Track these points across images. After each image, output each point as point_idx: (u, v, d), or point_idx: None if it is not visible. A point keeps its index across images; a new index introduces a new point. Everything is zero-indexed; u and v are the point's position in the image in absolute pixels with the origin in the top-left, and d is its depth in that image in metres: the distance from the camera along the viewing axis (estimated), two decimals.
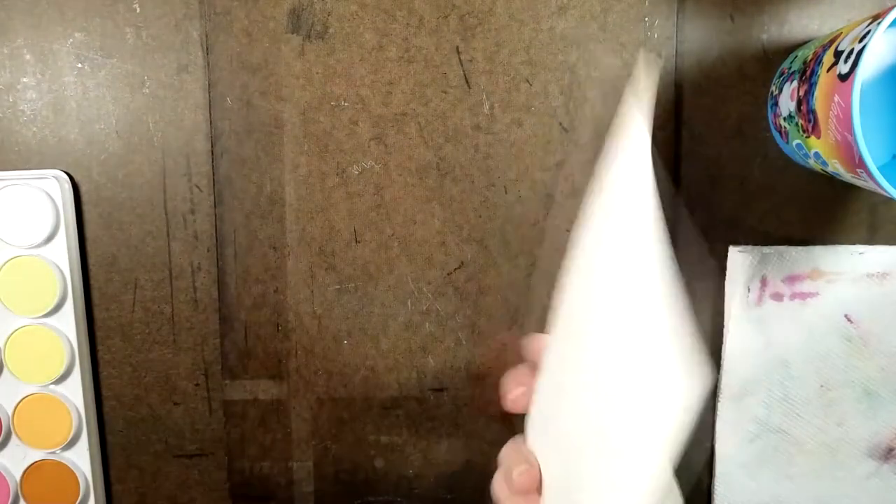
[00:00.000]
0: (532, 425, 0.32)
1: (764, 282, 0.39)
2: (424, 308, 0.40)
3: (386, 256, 0.40)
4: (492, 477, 0.42)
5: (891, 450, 0.41)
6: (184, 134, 0.39)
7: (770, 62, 0.38)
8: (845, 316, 0.39)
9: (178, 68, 0.38)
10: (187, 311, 0.40)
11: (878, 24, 0.27)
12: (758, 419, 0.40)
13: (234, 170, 0.39)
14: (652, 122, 0.30)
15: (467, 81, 0.39)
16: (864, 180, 0.29)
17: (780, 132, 0.37)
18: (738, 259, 0.39)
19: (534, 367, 0.31)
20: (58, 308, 0.39)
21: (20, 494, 0.40)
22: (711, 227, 0.39)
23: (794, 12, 0.38)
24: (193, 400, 0.41)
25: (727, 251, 0.39)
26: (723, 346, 0.40)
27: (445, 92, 0.39)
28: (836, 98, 0.29)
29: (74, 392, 0.39)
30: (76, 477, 0.40)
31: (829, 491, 0.41)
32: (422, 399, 0.41)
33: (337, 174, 0.39)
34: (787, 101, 0.35)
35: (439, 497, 0.42)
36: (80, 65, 0.38)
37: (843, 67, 0.28)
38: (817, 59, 0.32)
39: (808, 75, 0.32)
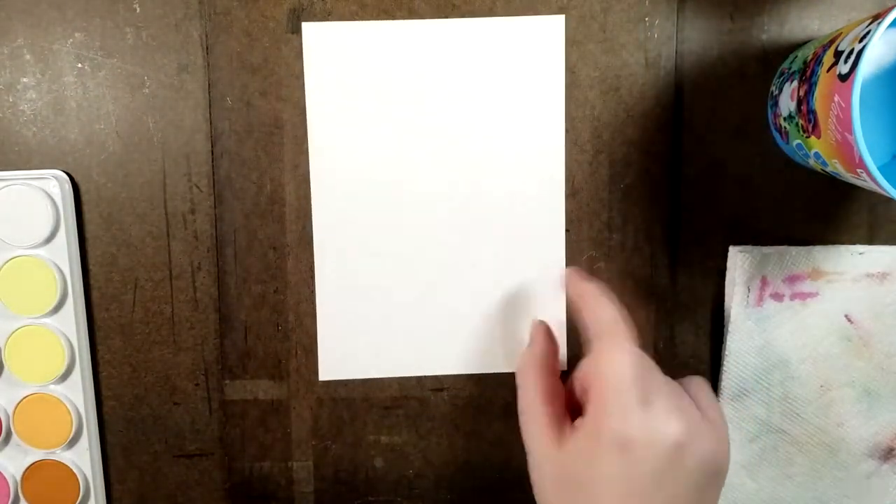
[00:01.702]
0: None
1: (764, 282, 0.39)
2: None
3: None
4: (492, 477, 0.42)
5: (891, 450, 0.41)
6: (184, 134, 0.39)
7: (770, 62, 0.38)
8: (845, 316, 0.39)
9: (178, 68, 0.38)
10: (187, 311, 0.40)
11: (879, 24, 0.27)
12: (758, 419, 0.40)
13: (234, 170, 0.39)
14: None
15: None
16: (864, 180, 0.29)
17: (780, 132, 0.37)
18: (738, 259, 0.39)
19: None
20: (58, 308, 0.39)
21: (20, 494, 0.40)
22: (711, 227, 0.39)
23: (794, 12, 0.38)
24: (193, 400, 0.41)
25: (727, 251, 0.39)
26: (723, 346, 0.40)
27: None
28: (836, 98, 0.29)
29: (74, 392, 0.39)
30: (76, 477, 0.40)
31: (829, 491, 0.41)
32: (422, 399, 0.41)
33: None
34: (787, 101, 0.35)
35: (439, 497, 0.42)
36: (80, 65, 0.38)
37: (843, 67, 0.28)
38: (817, 59, 0.32)
39: (808, 75, 0.32)
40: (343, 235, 0.39)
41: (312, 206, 0.39)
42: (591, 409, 0.31)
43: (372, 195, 0.39)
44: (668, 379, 0.33)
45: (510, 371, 0.39)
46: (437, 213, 0.39)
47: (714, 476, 0.32)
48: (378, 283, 0.39)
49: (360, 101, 0.38)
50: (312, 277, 0.39)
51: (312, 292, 0.40)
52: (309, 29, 0.37)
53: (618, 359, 0.31)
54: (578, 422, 0.32)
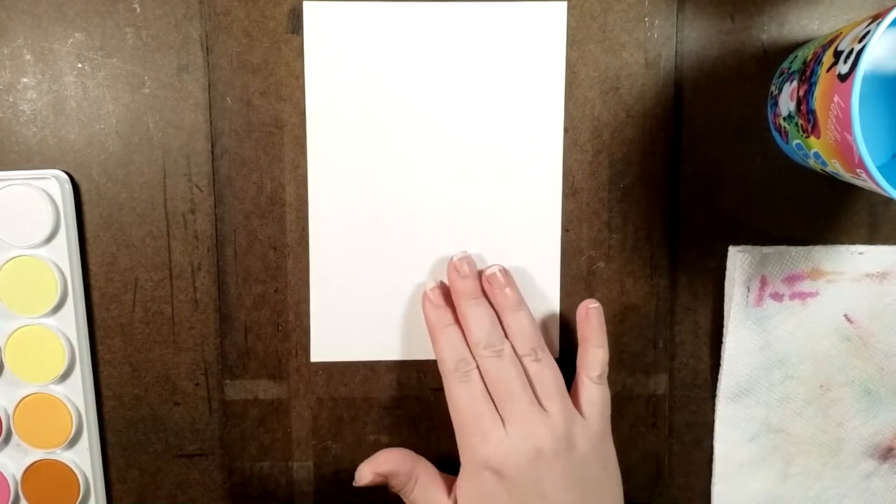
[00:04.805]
0: None
1: (764, 282, 0.39)
2: None
3: None
4: None
5: (891, 450, 0.41)
6: (184, 134, 0.39)
7: (770, 62, 0.38)
8: (845, 316, 0.39)
9: (178, 68, 0.38)
10: (187, 311, 0.40)
11: (878, 24, 0.27)
12: (758, 419, 0.40)
13: (234, 170, 0.39)
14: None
15: None
16: (864, 180, 0.29)
17: (780, 132, 0.37)
18: (738, 259, 0.39)
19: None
20: (58, 308, 0.39)
21: (20, 494, 0.40)
22: (711, 227, 0.40)
23: (794, 12, 0.38)
24: (193, 400, 0.41)
25: (727, 251, 0.39)
26: (723, 346, 0.40)
27: None
28: (836, 98, 0.29)
29: (74, 392, 0.39)
30: (76, 477, 0.40)
31: (829, 491, 0.41)
32: (422, 399, 0.41)
33: None
34: (786, 101, 0.35)
35: None
36: (80, 65, 0.38)
37: (843, 67, 0.28)
38: (817, 59, 0.32)
39: (807, 75, 0.32)
40: (340, 233, 0.39)
41: (309, 204, 0.39)
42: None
43: (370, 193, 0.39)
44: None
45: None
46: (435, 210, 0.39)
47: (588, 461, 0.35)
48: (373, 277, 0.39)
49: (358, 99, 0.38)
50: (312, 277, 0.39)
51: (312, 292, 0.40)
52: (310, 8, 0.37)
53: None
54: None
